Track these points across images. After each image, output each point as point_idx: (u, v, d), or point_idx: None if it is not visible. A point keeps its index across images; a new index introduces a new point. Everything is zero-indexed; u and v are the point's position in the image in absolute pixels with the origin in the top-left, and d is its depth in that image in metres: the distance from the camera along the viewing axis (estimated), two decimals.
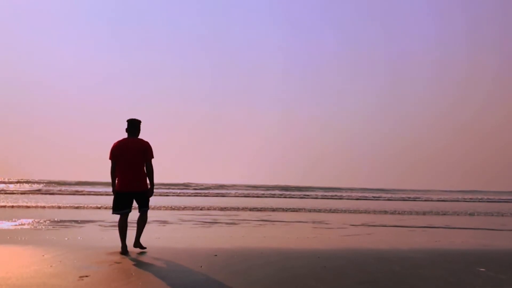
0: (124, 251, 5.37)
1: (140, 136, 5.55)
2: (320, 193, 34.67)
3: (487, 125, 62.70)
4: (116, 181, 5.42)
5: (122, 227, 5.43)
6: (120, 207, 5.39)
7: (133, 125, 5.47)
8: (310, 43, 71.84)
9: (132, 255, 5.30)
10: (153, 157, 5.48)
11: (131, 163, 5.31)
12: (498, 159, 60.47)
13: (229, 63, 72.90)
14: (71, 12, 68.50)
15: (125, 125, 5.49)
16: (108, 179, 5.54)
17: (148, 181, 5.52)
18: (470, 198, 33.32)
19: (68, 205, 14.83)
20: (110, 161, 5.43)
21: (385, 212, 16.02)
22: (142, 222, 5.63)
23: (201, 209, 14.84)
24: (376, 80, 69.27)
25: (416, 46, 67.97)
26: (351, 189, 46.08)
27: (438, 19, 67.34)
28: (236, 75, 72.39)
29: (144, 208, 5.55)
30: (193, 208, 15.17)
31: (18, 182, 38.76)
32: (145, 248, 5.68)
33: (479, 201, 30.02)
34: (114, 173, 5.42)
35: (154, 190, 5.71)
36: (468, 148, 64.17)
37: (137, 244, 5.65)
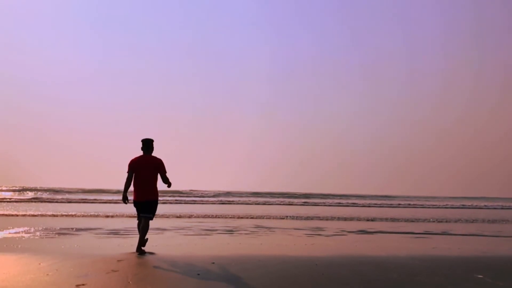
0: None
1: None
2: (319, 200, 34.63)
3: (494, 130, 62.88)
4: (133, 192, 6.20)
5: (139, 226, 6.28)
6: (138, 213, 6.29)
7: (147, 144, 6.29)
8: (293, 48, 72.38)
9: (130, 262, 5.28)
10: (166, 172, 6.28)
11: (146, 177, 6.16)
12: (505, 164, 60.51)
13: (214, 69, 73.13)
14: (56, 16, 68.66)
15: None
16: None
17: (158, 192, 6.38)
18: (471, 205, 33.33)
19: (65, 213, 14.76)
20: (126, 173, 6.19)
21: (385, 219, 16.01)
22: (143, 229, 6.14)
23: (197, 217, 14.79)
24: (366, 85, 69.64)
25: (394, 51, 68.64)
26: (352, 196, 46.01)
27: (417, 23, 68.07)
28: (222, 81, 72.60)
29: (147, 214, 6.17)
30: (190, 216, 15.13)
31: (14, 190, 38.52)
32: (145, 253, 6.05)
33: (480, 208, 30.04)
34: (128, 183, 6.17)
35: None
36: (475, 153, 64.31)
37: (139, 249, 6.09)
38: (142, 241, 6.15)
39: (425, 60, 67.39)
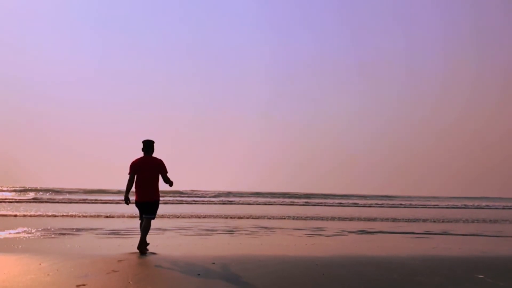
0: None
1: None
2: (320, 200, 34.62)
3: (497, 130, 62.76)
4: (135, 193, 6.29)
5: (141, 226, 6.40)
6: (140, 213, 6.39)
7: (148, 145, 6.37)
8: (293, 48, 72.51)
9: (130, 262, 5.28)
10: (167, 172, 6.38)
11: (148, 178, 6.25)
12: (506, 164, 60.44)
13: (214, 69, 73.21)
14: (57, 16, 68.74)
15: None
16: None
17: (159, 192, 6.47)
18: (472, 205, 33.29)
19: (65, 214, 14.77)
20: (128, 175, 6.29)
21: (385, 219, 16.00)
22: (145, 229, 6.25)
23: (198, 217, 14.79)
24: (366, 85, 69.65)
25: (394, 51, 68.68)
26: (352, 196, 45.99)
27: (417, 23, 68.08)
28: (222, 80, 72.67)
29: (149, 215, 6.28)
30: (190, 216, 15.13)
31: (14, 190, 38.57)
32: (147, 251, 6.20)
33: (481, 208, 30.00)
34: (130, 185, 6.28)
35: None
36: (476, 153, 64.20)
37: (140, 247, 6.17)
38: (144, 240, 6.21)
39: (425, 60, 67.46)
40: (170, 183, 6.37)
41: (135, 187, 6.29)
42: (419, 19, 68.31)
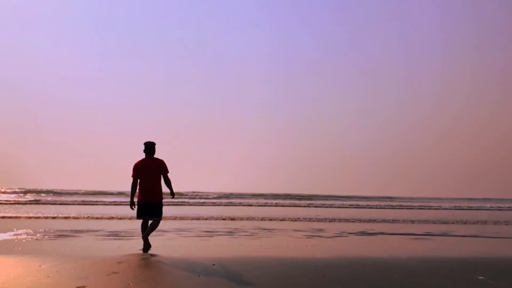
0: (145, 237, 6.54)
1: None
2: (320, 202, 34.60)
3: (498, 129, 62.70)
4: (138, 193, 6.43)
5: (143, 227, 6.58)
6: (142, 214, 6.44)
7: (149, 147, 6.53)
8: (293, 48, 72.59)
9: (130, 264, 5.28)
10: (168, 172, 6.54)
11: (151, 179, 6.38)
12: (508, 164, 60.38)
13: (213, 70, 73.32)
14: (56, 16, 68.82)
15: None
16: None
17: (162, 193, 6.58)
18: (471, 207, 33.23)
19: (66, 215, 14.77)
20: (131, 178, 6.43)
21: (385, 220, 15.99)
22: (152, 227, 6.50)
23: (198, 218, 14.79)
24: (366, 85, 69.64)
25: (393, 51, 68.78)
26: (354, 197, 45.94)
27: (416, 23, 68.18)
28: (222, 81, 72.73)
29: (156, 217, 6.46)
30: (191, 217, 15.12)
31: (14, 191, 38.59)
32: (150, 247, 6.45)
33: (482, 209, 29.95)
34: (134, 188, 6.44)
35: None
36: (477, 153, 64.13)
37: (146, 238, 6.43)
38: (147, 236, 6.43)
39: (425, 60, 67.49)
40: (169, 182, 6.50)
41: (139, 188, 6.43)
42: (418, 20, 68.33)
